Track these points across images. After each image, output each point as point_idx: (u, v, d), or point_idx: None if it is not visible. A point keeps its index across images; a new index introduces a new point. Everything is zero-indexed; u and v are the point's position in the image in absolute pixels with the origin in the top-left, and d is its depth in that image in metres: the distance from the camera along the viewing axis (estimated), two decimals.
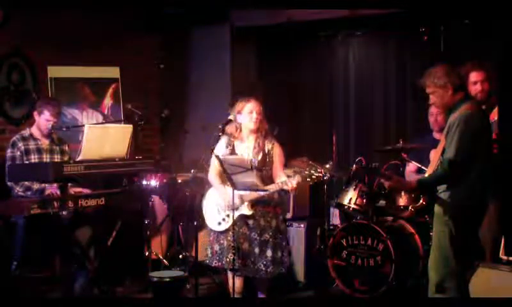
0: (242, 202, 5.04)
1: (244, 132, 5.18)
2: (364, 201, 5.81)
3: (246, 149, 5.17)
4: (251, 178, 4.86)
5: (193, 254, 5.70)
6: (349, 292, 5.65)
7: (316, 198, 6.53)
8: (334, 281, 5.75)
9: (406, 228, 5.73)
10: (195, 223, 5.72)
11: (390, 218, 5.88)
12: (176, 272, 5.64)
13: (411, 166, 5.77)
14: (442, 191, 4.23)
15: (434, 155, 4.45)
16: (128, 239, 5.94)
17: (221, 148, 5.17)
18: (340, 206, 6.04)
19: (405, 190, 5.49)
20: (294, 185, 4.92)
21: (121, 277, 5.99)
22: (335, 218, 6.58)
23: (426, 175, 4.45)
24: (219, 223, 5.12)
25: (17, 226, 5.34)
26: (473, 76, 5.04)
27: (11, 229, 5.34)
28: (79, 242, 5.53)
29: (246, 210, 5.05)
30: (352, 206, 5.84)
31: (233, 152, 5.15)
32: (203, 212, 5.26)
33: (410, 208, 5.58)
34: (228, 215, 5.06)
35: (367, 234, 5.62)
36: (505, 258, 4.91)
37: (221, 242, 5.11)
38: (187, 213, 6.16)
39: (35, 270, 5.47)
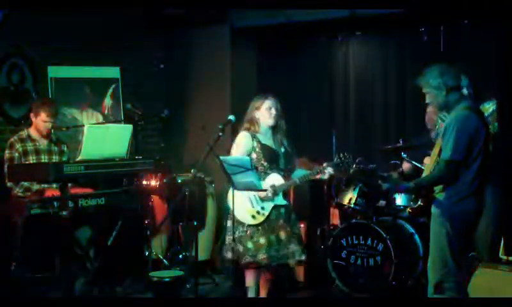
0: (275, 192, 4.98)
1: (262, 128, 5.12)
2: (364, 201, 5.81)
3: (271, 141, 5.13)
4: (251, 178, 4.87)
5: (193, 254, 5.70)
6: (349, 292, 5.65)
7: (316, 198, 6.53)
8: (334, 281, 5.76)
9: (406, 228, 5.73)
10: (195, 223, 5.72)
11: (389, 218, 5.88)
12: (176, 272, 5.63)
13: (409, 165, 5.77)
14: (439, 192, 4.23)
15: (431, 156, 4.45)
16: (128, 239, 5.93)
17: (247, 143, 5.08)
18: (340, 206, 6.05)
19: (402, 192, 5.49)
20: (326, 176, 5.05)
21: (121, 277, 5.99)
22: (335, 218, 6.57)
23: (423, 176, 4.45)
24: (253, 216, 4.98)
25: (17, 226, 5.35)
26: None
27: (11, 229, 5.34)
28: (79, 242, 5.54)
29: (281, 200, 5.02)
30: (352, 206, 5.84)
31: (260, 145, 5.09)
32: (231, 208, 4.92)
33: (408, 209, 5.59)
34: (263, 208, 4.99)
35: (367, 234, 5.62)
36: (505, 258, 4.91)
37: (255, 239, 4.97)
38: (187, 213, 6.15)
39: (35, 270, 5.46)
